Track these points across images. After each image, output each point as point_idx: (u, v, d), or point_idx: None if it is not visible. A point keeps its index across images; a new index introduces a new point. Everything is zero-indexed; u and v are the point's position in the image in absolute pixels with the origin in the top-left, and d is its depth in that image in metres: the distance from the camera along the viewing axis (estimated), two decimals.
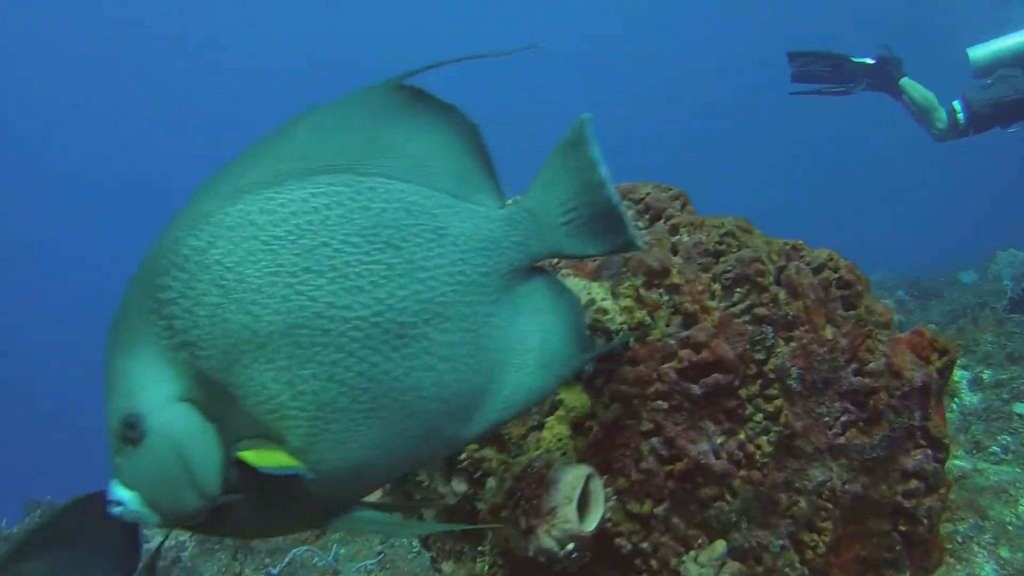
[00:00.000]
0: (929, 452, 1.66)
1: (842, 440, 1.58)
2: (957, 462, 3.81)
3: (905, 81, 4.87)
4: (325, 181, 1.00)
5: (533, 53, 1.23)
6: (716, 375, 1.52)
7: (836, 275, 1.59)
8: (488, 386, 1.12)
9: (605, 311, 1.55)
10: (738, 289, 1.55)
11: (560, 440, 1.61)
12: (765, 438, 1.55)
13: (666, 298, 1.56)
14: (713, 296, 1.56)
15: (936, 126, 4.83)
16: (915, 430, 1.64)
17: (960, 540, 3.19)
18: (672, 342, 1.54)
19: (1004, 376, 4.40)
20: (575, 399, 1.61)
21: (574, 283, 1.60)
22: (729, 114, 29.47)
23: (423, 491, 1.77)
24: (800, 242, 1.62)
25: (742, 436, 1.55)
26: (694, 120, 30.23)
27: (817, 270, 1.59)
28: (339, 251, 0.96)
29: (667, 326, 1.55)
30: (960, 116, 4.75)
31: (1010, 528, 3.20)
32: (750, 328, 1.54)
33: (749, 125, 29.53)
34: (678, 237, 1.62)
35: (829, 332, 1.56)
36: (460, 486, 1.72)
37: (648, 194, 1.70)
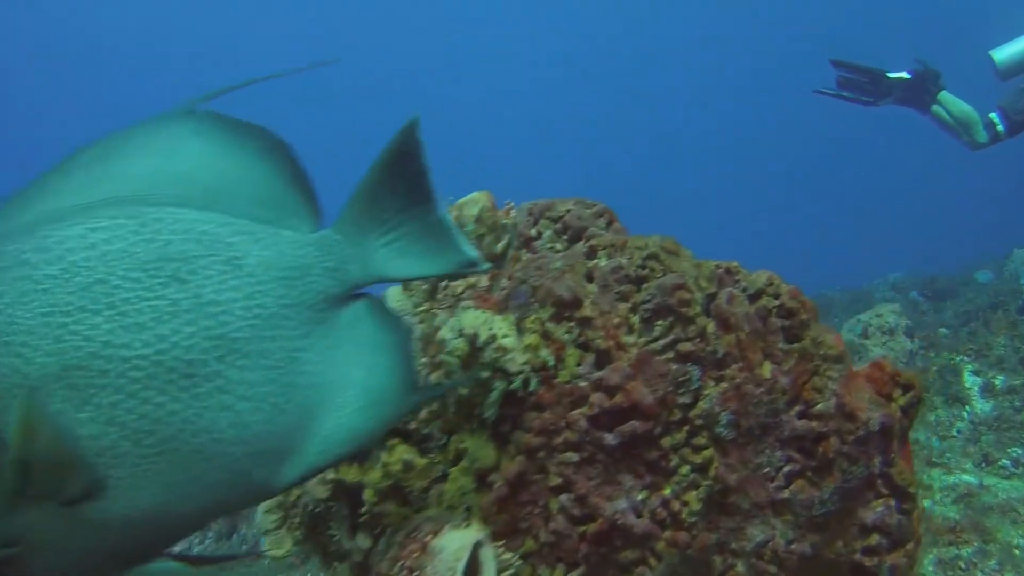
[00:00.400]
0: (892, 503, 1.38)
1: (786, 493, 1.30)
2: (965, 477, 3.49)
3: (944, 95, 4.58)
4: (107, 214, 0.91)
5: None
6: (633, 422, 1.26)
7: (776, 303, 1.31)
8: (302, 427, 0.99)
9: (505, 349, 1.30)
10: (659, 322, 1.29)
11: (463, 494, 1.36)
12: (693, 493, 1.29)
13: (577, 333, 1.30)
14: (631, 330, 1.30)
15: (976, 141, 4.56)
16: (875, 478, 1.36)
17: (963, 566, 2.88)
18: (583, 384, 1.28)
19: (1017, 381, 4.05)
20: (480, 448, 1.35)
21: (473, 317, 1.34)
22: (742, 111, 28.88)
23: (335, 544, 1.54)
24: (735, 264, 1.35)
25: (667, 492, 1.29)
26: (707, 117, 29.61)
27: (754, 297, 1.32)
28: (117, 287, 0.88)
29: (577, 366, 1.29)
30: (1000, 128, 4.48)
31: (1017, 552, 2.88)
32: (673, 367, 1.27)
33: (761, 124, 28.89)
34: (595, 261, 1.36)
35: (767, 369, 1.29)
36: (364, 542, 1.48)
37: (568, 211, 1.45)
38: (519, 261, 1.42)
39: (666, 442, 1.28)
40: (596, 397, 1.26)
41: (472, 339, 1.32)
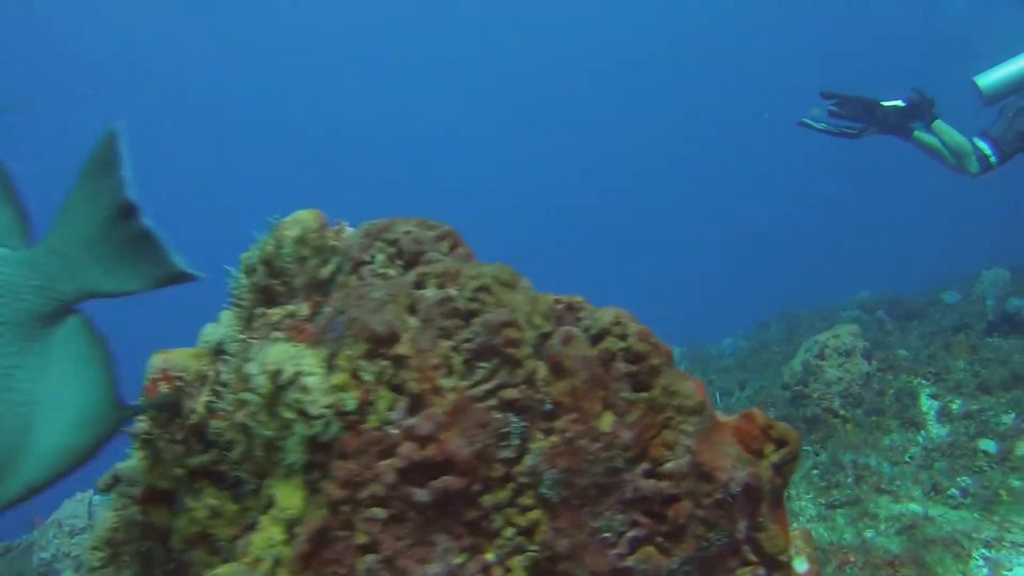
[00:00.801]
0: (761, 572, 1.17)
1: (629, 561, 1.09)
2: (912, 506, 3.26)
3: (938, 124, 4.44)
4: None
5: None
6: (447, 478, 1.05)
7: (623, 345, 1.10)
8: (16, 445, 0.95)
9: (307, 389, 1.09)
10: (482, 364, 1.07)
11: (272, 546, 1.15)
12: (519, 559, 1.07)
13: (391, 373, 1.09)
14: (451, 372, 1.08)
15: (969, 171, 4.44)
16: (740, 544, 1.15)
17: None
18: (394, 432, 1.07)
19: (974, 407, 3.82)
20: (287, 496, 1.14)
21: (280, 351, 1.14)
22: (719, 126, 28.51)
23: None
24: (578, 299, 1.14)
25: (489, 556, 1.08)
26: (691, 128, 29.20)
27: (597, 338, 1.10)
28: None
29: (389, 411, 1.08)
30: (992, 160, 4.36)
31: None
32: (495, 416, 1.06)
33: (735, 142, 28.52)
34: (423, 292, 1.15)
35: (607, 422, 1.07)
36: None
37: (407, 233, 1.23)
38: (345, 288, 1.21)
39: (487, 501, 1.06)
40: (406, 447, 1.05)
41: (275, 376, 1.12)
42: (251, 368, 1.15)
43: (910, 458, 3.57)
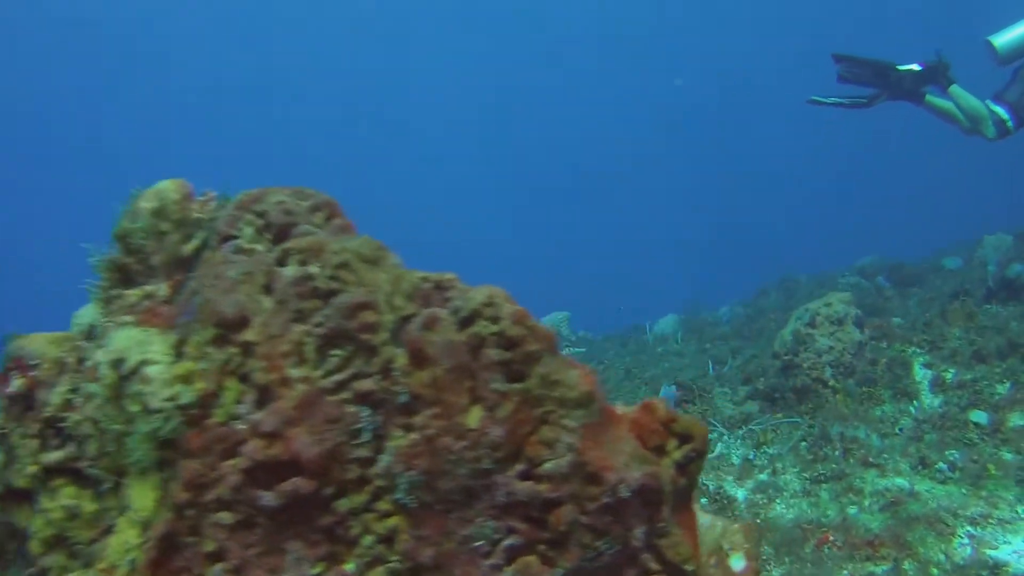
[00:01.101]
0: None
1: (507, 573, 0.95)
2: (899, 480, 3.09)
3: (955, 89, 4.24)
4: None
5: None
6: (296, 480, 0.92)
7: (495, 329, 0.95)
8: None
9: (148, 380, 0.95)
10: (334, 351, 0.93)
11: (128, 550, 1.03)
12: (381, 569, 0.94)
13: (239, 362, 0.96)
14: (303, 360, 0.94)
15: (985, 135, 4.26)
16: (638, 552, 1.00)
17: None
18: (241, 428, 0.94)
19: (968, 376, 3.62)
20: (144, 496, 1.02)
21: (127, 337, 1.00)
22: (723, 101, 27.87)
23: None
24: (449, 277, 0.99)
25: (348, 567, 0.95)
26: (687, 102, 28.54)
27: (466, 321, 0.96)
28: None
29: (236, 404, 0.95)
30: (1010, 124, 4.18)
31: (934, 572, 2.49)
32: (348, 411, 0.92)
33: (746, 112, 27.84)
34: (283, 270, 1.01)
35: (475, 417, 0.93)
36: None
37: (278, 204, 1.09)
38: (207, 266, 1.07)
39: (343, 505, 0.93)
40: (250, 446, 0.92)
41: (118, 365, 0.99)
42: (99, 356, 1.02)
43: (900, 430, 3.40)
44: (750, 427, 3.59)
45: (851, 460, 3.21)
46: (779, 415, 3.64)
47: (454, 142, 30.40)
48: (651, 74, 28.22)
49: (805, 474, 3.16)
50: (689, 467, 1.03)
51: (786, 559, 2.61)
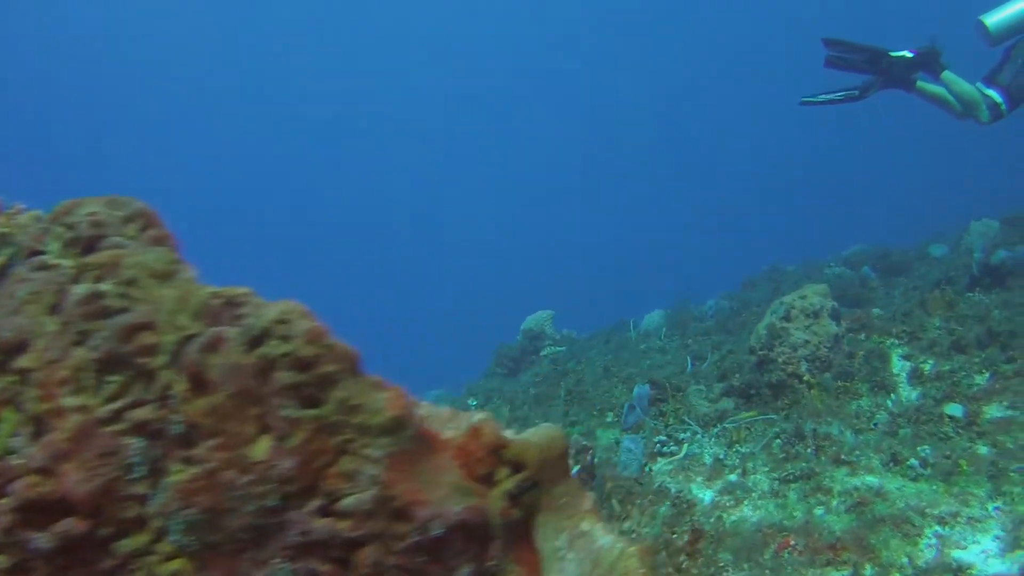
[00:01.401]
0: None
1: None
2: (869, 479, 2.95)
3: (947, 75, 4.13)
4: None
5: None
6: (68, 521, 0.82)
7: (286, 348, 0.85)
8: None
9: None
10: (111, 376, 0.84)
11: None
12: None
13: (15, 390, 0.86)
14: (81, 388, 0.85)
15: (979, 119, 4.14)
16: None
17: None
18: (18, 463, 0.84)
19: (946, 367, 3.47)
20: None
21: None
22: (717, 97, 27.58)
23: None
24: (243, 291, 0.88)
25: None
26: (679, 101, 28.24)
27: (256, 341, 0.85)
28: None
29: (12, 436, 0.85)
30: (1003, 108, 4.07)
31: None
32: (123, 443, 0.83)
33: (737, 107, 27.49)
34: (75, 287, 0.91)
35: (262, 448, 0.83)
36: None
37: (89, 215, 0.99)
38: (8, 283, 0.97)
39: (124, 547, 0.83)
40: (21, 484, 0.82)
41: None
42: None
43: (875, 425, 3.26)
44: (723, 425, 3.46)
45: (823, 458, 3.07)
46: (751, 412, 3.51)
47: (437, 141, 30.38)
48: (636, 69, 28.06)
49: (775, 474, 3.03)
50: (523, 498, 0.92)
51: (745, 566, 2.49)
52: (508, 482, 0.90)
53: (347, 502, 0.83)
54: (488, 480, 0.90)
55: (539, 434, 1.27)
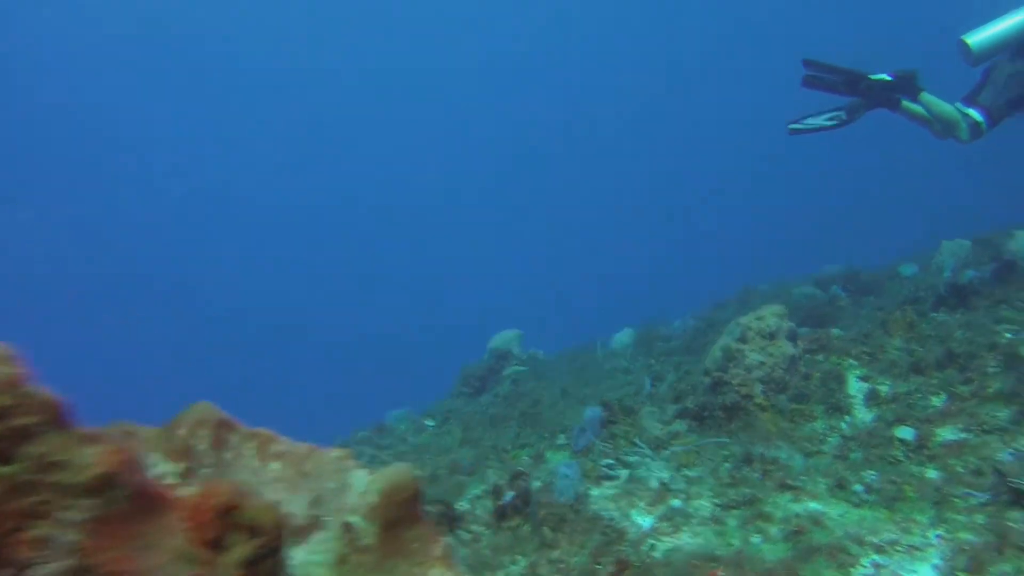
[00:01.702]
0: None
1: None
2: (812, 505, 2.81)
3: (925, 96, 4.09)
4: None
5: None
6: None
7: None
8: None
9: None
10: None
11: None
12: None
13: None
14: None
15: (959, 139, 4.11)
16: None
17: None
18: None
19: (903, 389, 3.34)
20: None
21: None
22: (684, 114, 27.49)
23: None
24: None
25: None
26: (672, 107, 28.15)
27: None
28: None
29: None
30: (983, 126, 4.04)
31: None
32: None
33: (718, 119, 27.38)
34: None
35: None
36: None
37: None
38: None
39: None
40: None
41: None
42: None
43: (827, 448, 3.15)
44: (672, 449, 3.35)
45: (768, 483, 2.95)
46: (695, 437, 3.40)
47: (412, 158, 30.45)
48: (612, 85, 28.08)
49: (718, 500, 2.92)
50: (261, 567, 0.82)
51: None
52: (242, 548, 0.80)
53: (35, 573, 0.73)
54: (215, 546, 0.80)
55: (388, 475, 1.17)
